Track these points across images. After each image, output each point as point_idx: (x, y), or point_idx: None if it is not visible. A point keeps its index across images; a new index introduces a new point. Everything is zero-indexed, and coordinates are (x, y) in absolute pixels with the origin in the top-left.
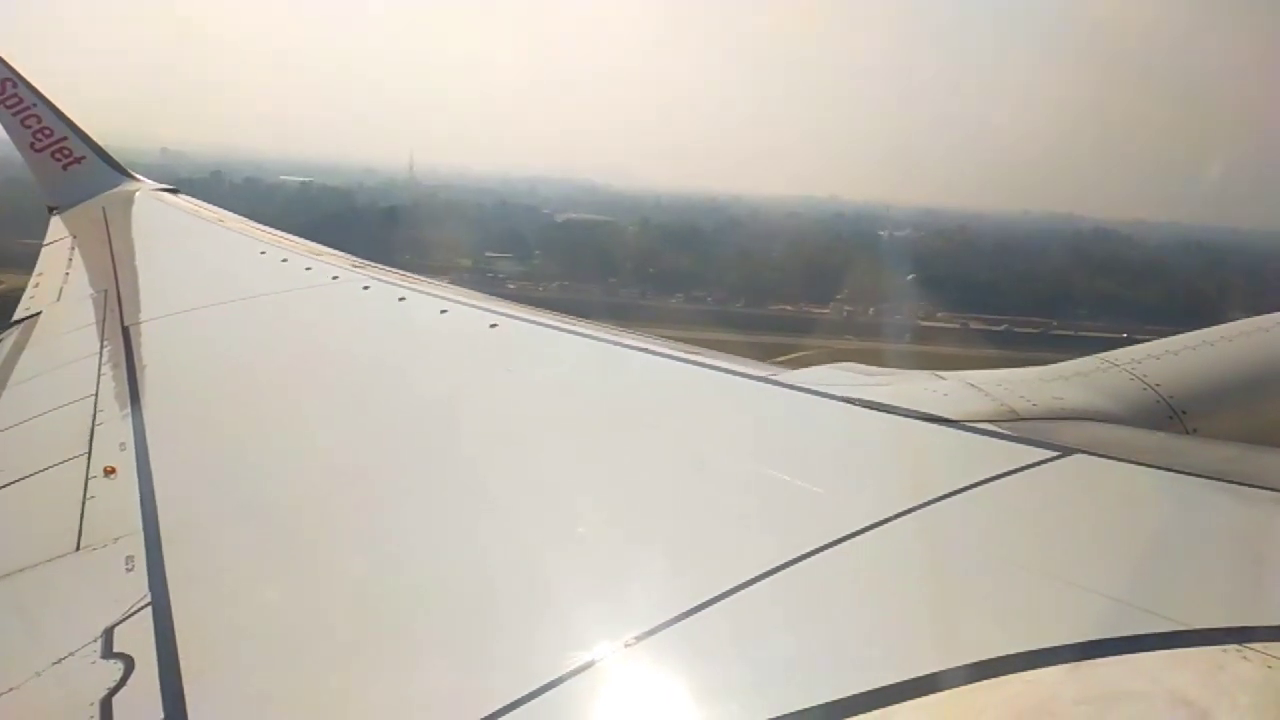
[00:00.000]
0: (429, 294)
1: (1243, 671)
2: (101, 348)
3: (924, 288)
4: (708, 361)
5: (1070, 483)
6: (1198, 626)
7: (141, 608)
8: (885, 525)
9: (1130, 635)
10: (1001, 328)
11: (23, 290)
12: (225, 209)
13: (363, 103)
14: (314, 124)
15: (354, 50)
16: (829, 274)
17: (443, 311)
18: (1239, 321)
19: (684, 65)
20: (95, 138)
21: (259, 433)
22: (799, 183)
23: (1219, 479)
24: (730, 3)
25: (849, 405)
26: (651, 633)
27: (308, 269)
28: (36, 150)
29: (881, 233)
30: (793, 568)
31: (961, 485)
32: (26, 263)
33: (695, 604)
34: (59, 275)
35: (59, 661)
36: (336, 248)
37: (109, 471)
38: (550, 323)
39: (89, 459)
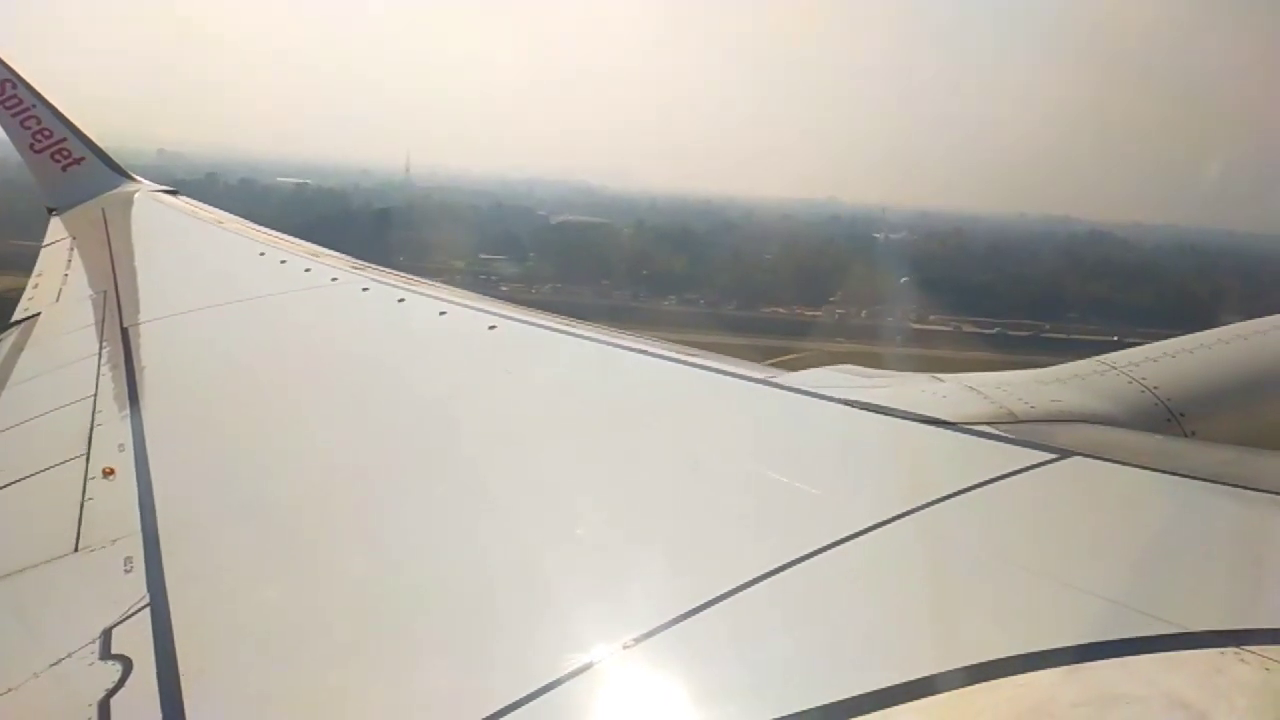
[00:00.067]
0: (428, 296)
1: (1241, 674)
2: (100, 349)
3: (918, 290)
4: (707, 364)
5: (1068, 485)
6: (1196, 629)
7: (140, 609)
8: (884, 527)
9: (1128, 638)
10: (994, 330)
11: (22, 291)
12: (221, 210)
13: (359, 104)
14: (310, 125)
15: (351, 51)
16: (823, 276)
17: (442, 313)
18: (1237, 324)
19: (680, 67)
20: (92, 138)
21: (258, 434)
22: (795, 185)
23: (1217, 481)
24: (726, 4)
25: (848, 407)
26: (651, 634)
27: (307, 270)
28: (36, 151)
29: (876, 235)
30: (792, 569)
31: (960, 487)
32: (26, 264)
33: (695, 605)
34: (58, 276)
35: (57, 663)
36: (332, 249)
37: (108, 473)
38: (549, 324)
39: (88, 460)
